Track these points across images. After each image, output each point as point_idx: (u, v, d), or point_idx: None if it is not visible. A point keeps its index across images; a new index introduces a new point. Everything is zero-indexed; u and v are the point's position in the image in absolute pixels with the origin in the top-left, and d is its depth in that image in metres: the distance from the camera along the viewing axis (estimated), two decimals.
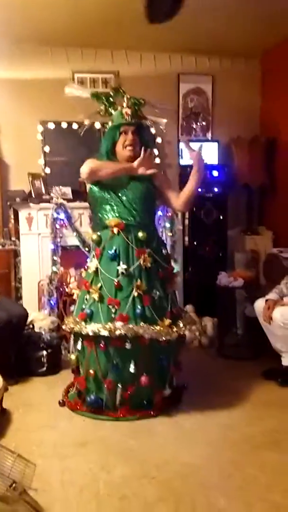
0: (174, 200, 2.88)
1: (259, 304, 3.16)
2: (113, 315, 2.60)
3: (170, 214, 4.15)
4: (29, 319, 3.44)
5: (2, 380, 2.62)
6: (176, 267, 4.14)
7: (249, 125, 4.73)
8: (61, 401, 2.84)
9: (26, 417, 2.69)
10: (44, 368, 3.29)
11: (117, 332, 2.53)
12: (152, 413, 2.66)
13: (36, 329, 3.52)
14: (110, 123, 2.85)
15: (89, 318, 2.64)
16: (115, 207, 2.71)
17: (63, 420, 2.66)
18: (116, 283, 2.62)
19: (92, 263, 2.73)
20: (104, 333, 2.54)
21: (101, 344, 2.59)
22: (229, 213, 4.55)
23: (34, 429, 2.54)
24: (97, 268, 2.68)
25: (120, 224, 2.68)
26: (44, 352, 3.30)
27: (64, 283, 3.97)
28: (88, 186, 2.82)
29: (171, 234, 4.18)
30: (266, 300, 3.09)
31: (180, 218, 4.31)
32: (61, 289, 3.92)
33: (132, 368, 2.59)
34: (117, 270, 2.64)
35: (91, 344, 2.63)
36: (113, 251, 2.65)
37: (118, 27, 3.88)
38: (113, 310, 2.60)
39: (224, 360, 3.63)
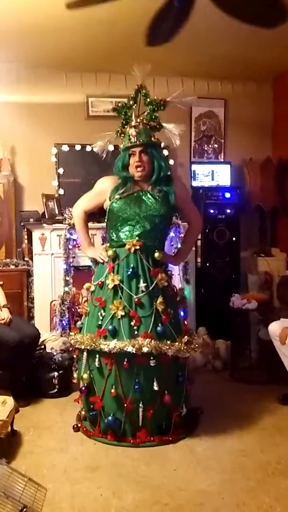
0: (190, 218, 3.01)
1: (273, 327, 3.12)
2: (135, 332, 2.58)
3: (182, 235, 4.15)
4: (40, 340, 3.43)
5: (13, 401, 2.60)
6: (189, 288, 4.15)
7: (261, 147, 4.75)
8: (75, 426, 2.79)
9: (37, 439, 2.66)
10: (55, 390, 3.27)
11: (144, 350, 2.51)
12: (170, 438, 2.62)
13: (48, 350, 3.51)
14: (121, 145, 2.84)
15: (111, 335, 2.60)
16: (134, 227, 2.71)
17: (74, 443, 2.62)
18: (136, 300, 2.62)
19: (110, 279, 2.68)
20: (131, 350, 2.51)
21: (124, 362, 2.54)
22: (241, 234, 4.54)
23: (45, 452, 2.51)
24: (116, 285, 2.65)
25: (138, 244, 2.68)
26: (56, 374, 3.28)
27: (76, 304, 3.96)
28: (108, 202, 2.78)
29: None
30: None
31: None
32: (73, 310, 3.91)
33: (155, 386, 2.57)
34: (138, 287, 2.64)
35: (112, 361, 2.58)
36: (130, 268, 2.65)
37: (131, 52, 3.96)
38: (135, 327, 2.59)
39: (237, 383, 3.57)
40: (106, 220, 2.83)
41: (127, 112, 2.81)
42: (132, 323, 2.59)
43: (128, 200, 2.73)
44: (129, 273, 2.65)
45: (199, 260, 4.41)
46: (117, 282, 2.64)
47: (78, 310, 3.85)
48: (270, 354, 3.25)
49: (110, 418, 2.59)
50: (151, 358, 2.55)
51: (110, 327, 2.61)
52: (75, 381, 2.83)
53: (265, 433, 2.73)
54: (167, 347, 2.57)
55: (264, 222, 4.72)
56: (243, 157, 4.67)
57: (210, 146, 4.82)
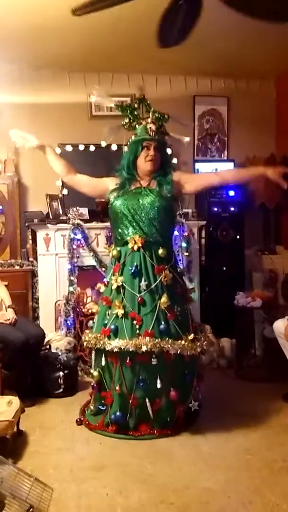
0: (210, 177, 3.07)
1: (278, 325, 3.11)
2: (137, 331, 2.61)
3: (186, 233, 4.15)
4: (46, 340, 3.44)
5: (18, 401, 2.61)
6: (193, 286, 4.14)
7: (265, 145, 4.74)
8: (78, 419, 2.84)
9: (43, 439, 2.67)
10: (61, 390, 3.27)
11: (144, 348, 2.54)
12: (169, 432, 2.66)
13: (53, 350, 3.51)
14: (133, 137, 2.88)
15: (114, 334, 2.64)
16: (135, 224, 2.74)
17: (80, 442, 2.63)
18: (139, 299, 2.64)
19: (113, 279, 2.73)
20: (131, 349, 2.55)
21: (127, 360, 2.59)
22: (246, 232, 4.53)
23: (51, 452, 2.52)
24: (119, 284, 2.69)
25: (140, 241, 2.70)
26: (61, 373, 3.29)
27: (80, 303, 3.97)
28: (107, 200, 2.87)
29: (187, 254, 4.16)
30: None
31: (197, 237, 4.30)
32: (77, 309, 3.92)
33: (158, 383, 2.60)
34: (139, 286, 2.66)
35: (116, 360, 2.62)
36: (134, 267, 2.68)
37: (133, 52, 3.96)
38: (137, 326, 2.62)
39: (242, 382, 3.57)
40: (110, 221, 2.92)
41: (132, 111, 2.87)
42: (134, 322, 2.62)
43: (126, 196, 2.79)
44: (132, 271, 2.68)
45: (203, 258, 4.40)
46: (119, 283, 2.69)
47: (83, 310, 3.89)
48: (275, 352, 3.25)
49: (118, 413, 2.65)
50: (153, 356, 2.57)
51: (112, 326, 2.66)
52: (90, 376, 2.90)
53: (271, 431, 2.73)
54: (169, 345, 2.58)
55: (268, 220, 4.71)
56: (247, 154, 4.66)
57: (214, 144, 4.81)
